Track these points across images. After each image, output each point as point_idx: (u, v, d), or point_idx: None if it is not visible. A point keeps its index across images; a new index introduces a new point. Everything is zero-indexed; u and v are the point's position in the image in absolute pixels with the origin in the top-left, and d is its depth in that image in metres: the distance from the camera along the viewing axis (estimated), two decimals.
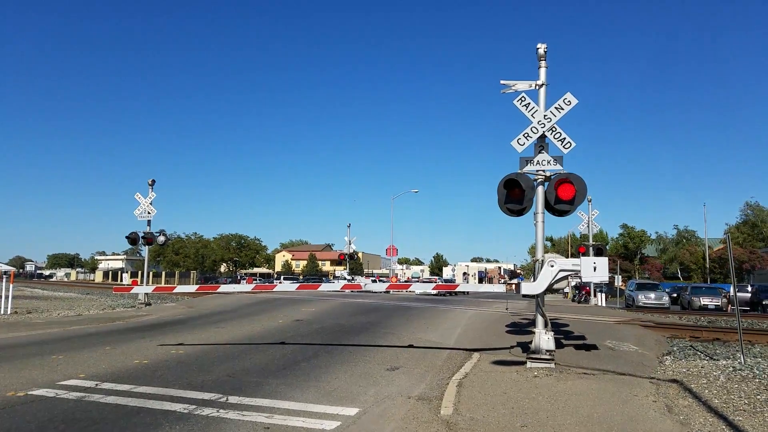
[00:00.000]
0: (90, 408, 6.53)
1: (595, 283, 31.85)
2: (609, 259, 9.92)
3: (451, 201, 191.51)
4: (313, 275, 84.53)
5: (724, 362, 10.09)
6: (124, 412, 6.38)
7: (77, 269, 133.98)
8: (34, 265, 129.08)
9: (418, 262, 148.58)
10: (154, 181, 25.33)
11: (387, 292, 35.67)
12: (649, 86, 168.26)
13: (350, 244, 47.39)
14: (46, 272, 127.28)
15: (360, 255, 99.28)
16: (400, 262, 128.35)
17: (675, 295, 36.55)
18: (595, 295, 33.53)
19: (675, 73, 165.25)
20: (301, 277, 75.77)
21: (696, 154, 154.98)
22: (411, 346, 12.23)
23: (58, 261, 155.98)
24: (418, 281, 64.91)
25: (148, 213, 24.88)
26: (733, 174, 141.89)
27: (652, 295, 31.32)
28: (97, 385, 7.76)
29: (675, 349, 12.75)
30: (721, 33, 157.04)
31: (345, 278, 51.34)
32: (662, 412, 6.46)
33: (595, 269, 8.77)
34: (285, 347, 11.71)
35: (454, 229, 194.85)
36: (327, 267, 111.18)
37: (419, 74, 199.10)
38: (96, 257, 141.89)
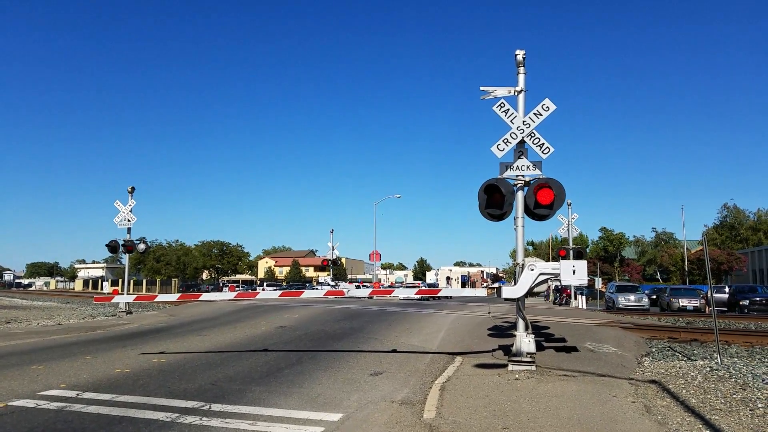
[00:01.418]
0: (71, 418, 6.47)
1: (575, 286, 32.26)
2: (589, 262, 10.10)
3: (434, 206, 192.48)
4: (297, 281, 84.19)
5: (702, 362, 10.30)
6: (106, 421, 6.33)
7: (57, 278, 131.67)
8: (12, 274, 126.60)
9: (402, 267, 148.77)
10: (133, 189, 25.07)
11: (370, 297, 35.67)
12: (627, 89, 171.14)
13: (333, 249, 47.33)
14: (25, 281, 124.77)
15: (343, 260, 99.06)
16: (384, 267, 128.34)
17: (654, 296, 37.06)
18: (575, 298, 33.90)
19: (653, 76, 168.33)
20: (284, 284, 75.33)
21: (674, 156, 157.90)
22: (394, 350, 12.28)
23: (37, 270, 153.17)
24: (401, 286, 64.88)
25: (128, 221, 24.59)
26: (711, 176, 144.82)
27: (632, 297, 31.76)
28: (78, 395, 7.67)
29: (654, 350, 12.97)
30: (698, 37, 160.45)
31: (329, 284, 51.21)
32: (641, 412, 6.59)
33: (574, 272, 8.92)
34: (268, 354, 11.68)
35: (437, 233, 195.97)
36: (310, 273, 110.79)
37: (402, 79, 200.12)
38: (76, 266, 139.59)
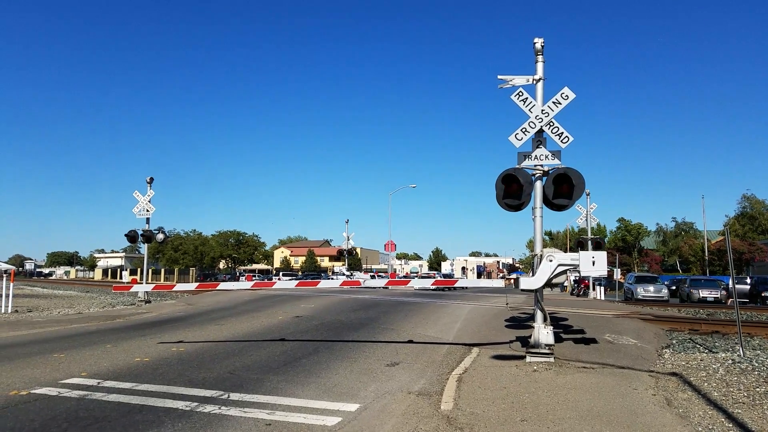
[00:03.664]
0: (92, 406, 6.56)
1: (593, 277, 31.94)
2: (608, 253, 9.94)
3: (450, 195, 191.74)
4: (312, 271, 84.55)
5: (723, 355, 10.14)
6: (127, 410, 6.41)
7: (76, 267, 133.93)
8: (33, 264, 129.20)
9: (417, 257, 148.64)
10: (152, 179, 25.31)
11: (386, 287, 35.72)
12: (646, 79, 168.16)
13: (348, 239, 47.41)
14: (46, 270, 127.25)
15: (358, 250, 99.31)
16: (399, 257, 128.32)
17: (674, 287, 36.58)
18: (593, 289, 33.58)
19: (673, 66, 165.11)
20: (299, 274, 75.77)
21: (694, 146, 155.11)
22: (410, 341, 12.27)
23: (57, 259, 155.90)
24: (416, 276, 64.92)
25: (147, 211, 24.86)
26: (731, 166, 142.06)
27: (651, 288, 31.39)
28: (99, 383, 7.79)
29: (674, 342, 12.80)
30: (720, 28, 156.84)
31: (344, 274, 51.41)
32: (662, 405, 6.50)
33: (594, 263, 8.80)
34: (285, 344, 11.74)
35: (453, 223, 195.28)
36: (326, 263, 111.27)
37: (417, 68, 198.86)
38: (95, 255, 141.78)
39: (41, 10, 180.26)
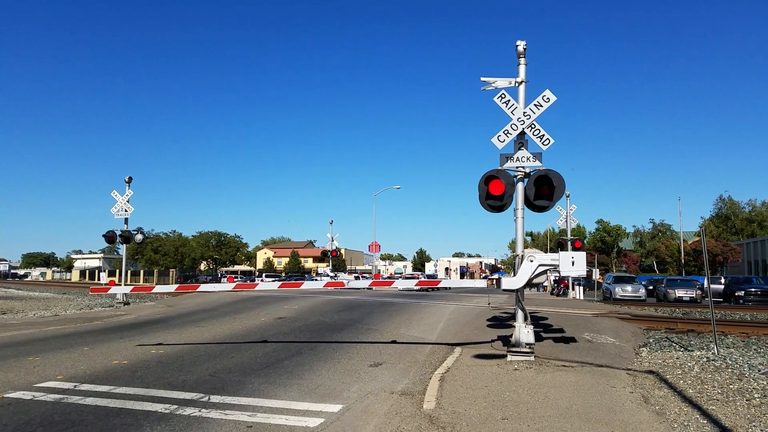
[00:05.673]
0: (69, 410, 6.45)
1: (573, 277, 32.32)
2: (587, 253, 10.07)
3: (434, 197, 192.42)
4: (296, 272, 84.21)
5: (699, 353, 10.35)
6: (104, 413, 6.31)
7: (53, 268, 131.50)
8: (8, 265, 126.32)
9: (401, 258, 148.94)
10: (131, 179, 24.96)
11: (370, 288, 35.70)
12: (625, 82, 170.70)
13: (333, 240, 47.35)
14: (21, 272, 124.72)
15: (343, 251, 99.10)
16: (383, 258, 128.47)
17: (651, 287, 37.20)
18: (573, 289, 33.99)
19: (651, 69, 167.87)
20: (283, 275, 75.35)
21: (671, 148, 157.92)
22: (394, 341, 12.29)
23: (32, 260, 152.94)
24: (400, 277, 65.06)
25: (126, 211, 24.51)
26: (708, 168, 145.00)
27: (629, 288, 31.87)
28: (75, 386, 7.66)
29: (651, 340, 13.02)
30: (697, 31, 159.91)
31: (328, 275, 51.28)
32: (639, 402, 6.61)
33: (573, 263, 8.91)
34: (267, 345, 11.67)
35: (437, 224, 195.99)
36: (309, 264, 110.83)
37: (401, 69, 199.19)
38: (72, 256, 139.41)
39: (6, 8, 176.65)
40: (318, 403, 6.76)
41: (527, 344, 9.18)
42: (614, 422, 5.78)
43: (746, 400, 6.68)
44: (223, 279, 69.82)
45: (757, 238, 64.45)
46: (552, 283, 42.01)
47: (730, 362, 9.08)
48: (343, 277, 56.57)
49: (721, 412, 6.19)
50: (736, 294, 30.50)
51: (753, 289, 30.32)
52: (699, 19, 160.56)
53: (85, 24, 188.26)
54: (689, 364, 9.10)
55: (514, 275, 9.23)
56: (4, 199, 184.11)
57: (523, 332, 9.19)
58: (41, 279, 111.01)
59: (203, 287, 13.56)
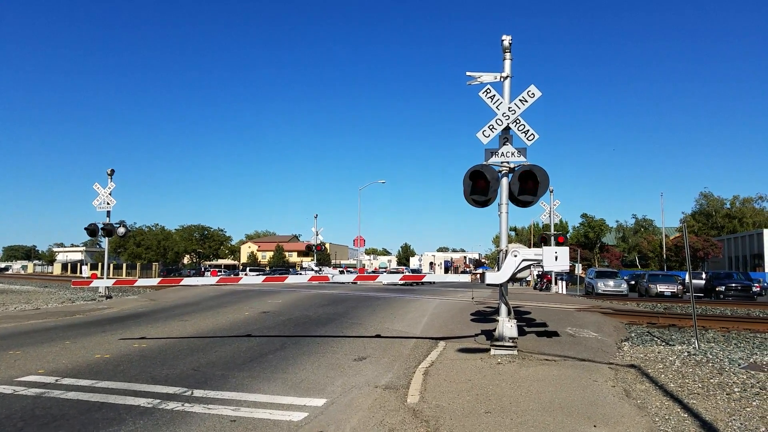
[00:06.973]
0: (50, 404, 6.37)
1: (556, 272, 32.63)
2: (570, 248, 10.15)
3: (419, 191, 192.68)
4: (280, 266, 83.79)
5: (680, 347, 10.51)
6: (86, 407, 6.24)
7: (34, 262, 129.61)
8: None
9: (386, 252, 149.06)
10: (113, 171, 24.61)
11: (354, 282, 35.67)
12: (609, 78, 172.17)
13: (317, 234, 47.16)
14: (2, 265, 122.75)
15: (327, 246, 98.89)
16: (368, 252, 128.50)
17: (633, 282, 37.68)
18: (556, 283, 34.35)
19: (635, 66, 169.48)
20: (267, 269, 75.01)
21: (654, 144, 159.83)
22: (378, 336, 12.31)
23: (13, 253, 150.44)
24: (385, 272, 65.09)
25: (108, 204, 24.18)
26: (690, 164, 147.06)
27: (611, 283, 32.27)
28: (57, 380, 7.56)
29: (633, 335, 13.19)
30: (684, 28, 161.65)
31: (312, 269, 51.12)
32: (621, 396, 6.69)
33: (556, 258, 8.98)
34: (251, 339, 11.63)
35: (422, 219, 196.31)
36: (294, 258, 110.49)
37: (386, 65, 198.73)
38: (54, 249, 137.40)
39: None
40: (302, 398, 6.75)
41: (510, 338, 9.25)
42: (596, 416, 5.84)
43: (726, 394, 6.79)
44: (206, 273, 69.26)
45: (738, 234, 65.61)
46: (535, 277, 42.38)
47: (710, 356, 9.24)
48: (327, 271, 56.45)
49: (702, 406, 6.29)
50: (717, 289, 31.02)
51: (733, 285, 30.88)
52: (681, 16, 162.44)
53: (64, 15, 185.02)
54: (670, 358, 9.23)
55: (498, 270, 9.28)
56: None
57: (507, 326, 9.25)
58: (22, 272, 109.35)
59: (186, 281, 13.47)
